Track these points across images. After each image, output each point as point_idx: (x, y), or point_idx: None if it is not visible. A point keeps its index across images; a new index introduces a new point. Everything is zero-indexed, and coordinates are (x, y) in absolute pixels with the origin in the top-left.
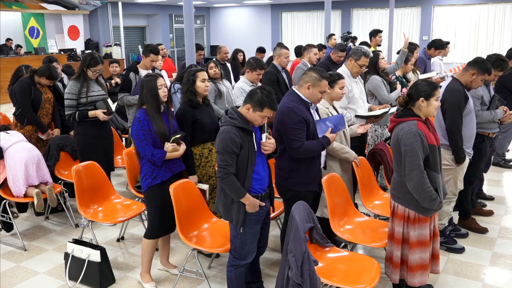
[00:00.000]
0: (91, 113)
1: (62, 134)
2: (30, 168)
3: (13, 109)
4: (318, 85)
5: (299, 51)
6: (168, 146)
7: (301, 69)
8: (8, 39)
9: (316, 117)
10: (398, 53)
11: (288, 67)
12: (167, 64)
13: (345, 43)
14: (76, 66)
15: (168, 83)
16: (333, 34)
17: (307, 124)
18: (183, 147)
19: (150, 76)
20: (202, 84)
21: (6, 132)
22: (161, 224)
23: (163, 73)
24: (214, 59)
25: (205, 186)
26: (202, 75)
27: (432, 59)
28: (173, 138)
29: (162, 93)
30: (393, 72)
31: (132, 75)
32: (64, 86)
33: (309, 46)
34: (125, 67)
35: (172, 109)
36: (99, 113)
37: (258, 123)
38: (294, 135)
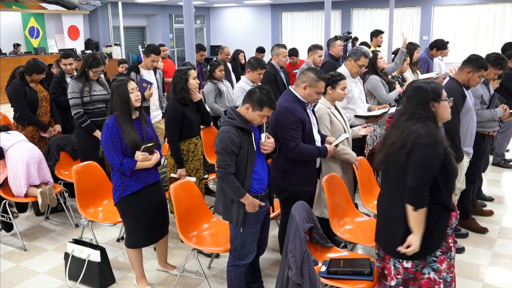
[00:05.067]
0: (97, 133)
1: (63, 133)
2: (31, 168)
3: (12, 109)
4: (315, 86)
5: (293, 53)
6: (138, 155)
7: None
8: None
9: (313, 117)
10: (393, 53)
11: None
12: (168, 65)
13: (345, 43)
14: (76, 66)
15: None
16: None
17: (303, 124)
18: (156, 156)
19: (120, 80)
20: (194, 82)
21: (7, 133)
22: (138, 234)
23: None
24: (214, 59)
25: (193, 179)
26: (193, 73)
27: (434, 59)
28: (143, 147)
29: (134, 97)
30: (392, 72)
31: (133, 75)
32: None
33: (315, 47)
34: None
35: None
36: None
37: (257, 122)
38: (290, 135)
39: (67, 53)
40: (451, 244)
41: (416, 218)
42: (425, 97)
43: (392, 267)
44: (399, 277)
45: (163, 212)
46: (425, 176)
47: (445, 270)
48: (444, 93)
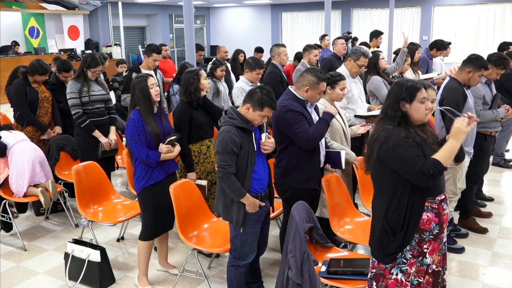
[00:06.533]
0: (96, 133)
1: (64, 134)
2: (37, 167)
3: (12, 109)
4: (316, 88)
5: (299, 57)
6: (162, 147)
7: (300, 71)
8: None
9: (315, 116)
10: (395, 53)
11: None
12: (168, 65)
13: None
14: (76, 66)
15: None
16: (326, 35)
17: (304, 117)
18: (177, 148)
19: (140, 77)
20: (205, 82)
21: (9, 132)
22: (156, 225)
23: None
24: (214, 59)
25: (204, 182)
26: (203, 73)
27: (434, 59)
28: (168, 140)
29: (154, 92)
30: (394, 72)
31: (134, 75)
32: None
33: (310, 47)
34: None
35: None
36: (102, 139)
37: (257, 122)
38: (297, 129)
39: (68, 66)
40: (426, 250)
41: (451, 155)
42: (398, 95)
43: (371, 260)
44: (373, 271)
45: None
46: (415, 161)
47: (413, 273)
48: (421, 95)
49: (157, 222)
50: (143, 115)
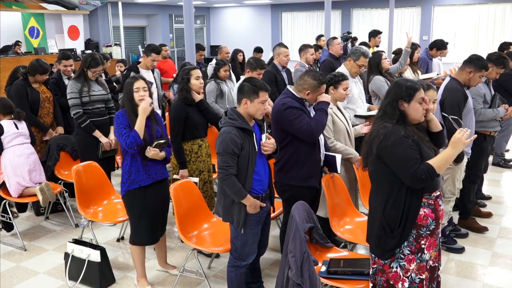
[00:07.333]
0: (97, 133)
1: (66, 134)
2: (25, 175)
3: None
4: (317, 91)
5: None
6: (149, 150)
7: (300, 71)
8: None
9: (313, 114)
10: (394, 53)
11: (291, 67)
12: (168, 65)
13: (345, 43)
14: (76, 66)
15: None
16: (322, 35)
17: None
18: (162, 154)
19: (130, 79)
20: (196, 82)
21: (16, 125)
22: (142, 230)
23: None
24: (214, 59)
25: (196, 179)
26: (196, 73)
27: (433, 59)
28: (156, 143)
29: (138, 96)
30: (397, 72)
31: (132, 75)
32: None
33: (306, 46)
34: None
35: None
36: (103, 139)
37: (261, 112)
38: (299, 123)
39: (68, 55)
40: (423, 246)
41: (446, 163)
42: (397, 95)
43: (371, 257)
44: (374, 266)
45: (165, 210)
46: (411, 163)
47: (414, 271)
48: (420, 96)
49: (144, 227)
50: (129, 117)
